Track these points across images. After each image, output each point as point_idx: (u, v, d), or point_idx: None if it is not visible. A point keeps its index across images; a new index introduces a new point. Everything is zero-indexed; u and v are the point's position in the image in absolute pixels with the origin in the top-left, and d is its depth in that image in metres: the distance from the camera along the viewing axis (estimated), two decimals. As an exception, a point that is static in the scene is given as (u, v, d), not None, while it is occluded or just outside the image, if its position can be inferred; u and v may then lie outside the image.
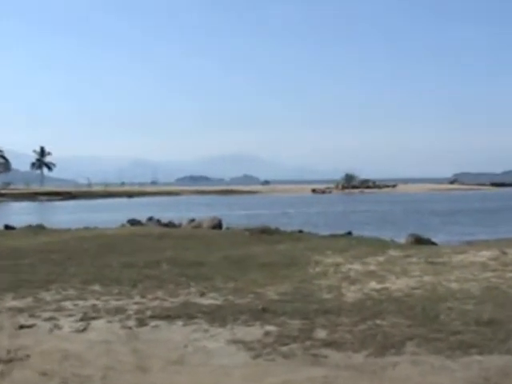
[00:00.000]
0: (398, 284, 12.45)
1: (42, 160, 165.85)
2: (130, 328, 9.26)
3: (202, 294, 11.68)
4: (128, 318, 9.84)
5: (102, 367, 7.52)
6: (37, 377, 7.25)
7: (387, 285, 12.39)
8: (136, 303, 10.92)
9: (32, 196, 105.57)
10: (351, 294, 11.62)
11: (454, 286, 12.09)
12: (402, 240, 22.73)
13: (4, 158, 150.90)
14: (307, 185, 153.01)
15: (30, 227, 28.42)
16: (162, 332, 9.03)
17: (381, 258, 16.12)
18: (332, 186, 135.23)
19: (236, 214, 51.62)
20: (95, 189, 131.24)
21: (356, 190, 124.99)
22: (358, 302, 10.83)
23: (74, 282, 12.92)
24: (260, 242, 20.88)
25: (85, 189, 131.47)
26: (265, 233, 23.14)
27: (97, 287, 12.45)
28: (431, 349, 7.85)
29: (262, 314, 9.84)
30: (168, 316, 9.83)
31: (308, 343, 8.22)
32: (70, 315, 10.04)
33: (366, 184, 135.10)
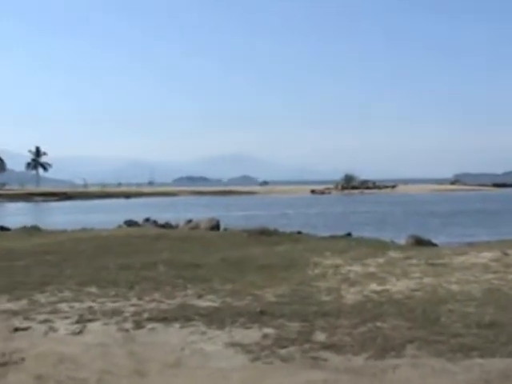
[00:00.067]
0: (398, 286, 12.45)
1: (37, 160, 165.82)
2: (126, 330, 9.24)
3: (200, 296, 11.67)
4: (124, 320, 9.83)
5: (97, 370, 7.50)
6: (32, 380, 7.23)
7: (387, 287, 12.39)
8: (133, 305, 10.90)
9: (27, 197, 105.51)
10: (351, 295, 11.61)
11: (455, 287, 12.08)
12: (402, 241, 22.71)
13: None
14: (306, 185, 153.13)
15: (24, 228, 28.40)
16: (159, 334, 9.02)
17: (381, 260, 16.12)
18: (331, 186, 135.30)
19: (234, 215, 51.60)
20: (91, 189, 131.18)
21: (356, 191, 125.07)
22: (358, 304, 10.83)
23: (70, 284, 12.90)
24: (258, 243, 20.87)
25: (81, 189, 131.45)
26: (263, 234, 23.13)
27: (93, 289, 12.43)
28: (432, 351, 7.85)
29: (260, 316, 9.83)
30: (165, 318, 9.81)
31: (307, 346, 8.21)
32: (66, 317, 10.02)
33: (365, 185, 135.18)
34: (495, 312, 9.77)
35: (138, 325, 9.51)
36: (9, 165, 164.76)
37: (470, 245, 20.62)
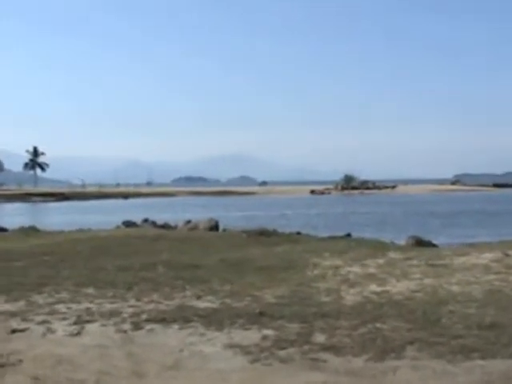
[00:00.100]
0: (398, 287, 12.44)
1: (35, 160, 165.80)
2: (124, 332, 9.24)
3: (199, 297, 11.66)
4: (123, 321, 9.82)
5: (96, 372, 7.50)
6: (29, 382, 7.22)
7: (387, 288, 12.38)
8: (131, 306, 10.89)
9: (25, 197, 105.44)
10: (350, 297, 11.60)
11: (456, 288, 12.07)
12: (402, 242, 22.71)
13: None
14: (306, 186, 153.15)
15: (22, 229, 28.37)
16: (158, 336, 9.01)
17: (381, 261, 16.11)
18: (331, 186, 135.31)
19: (233, 216, 51.60)
20: (89, 190, 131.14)
21: (355, 191, 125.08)
22: (358, 305, 10.82)
23: (68, 285, 12.89)
24: (257, 244, 20.88)
25: (79, 190, 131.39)
26: (262, 235, 23.13)
27: (91, 290, 12.42)
28: (432, 353, 7.84)
29: (259, 317, 9.82)
30: (164, 319, 9.81)
31: (306, 347, 8.21)
32: (64, 319, 10.01)
33: (365, 185, 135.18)
34: (496, 313, 9.76)
35: (137, 326, 9.50)
36: (6, 165, 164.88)
37: (471, 245, 20.60)
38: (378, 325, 9.24)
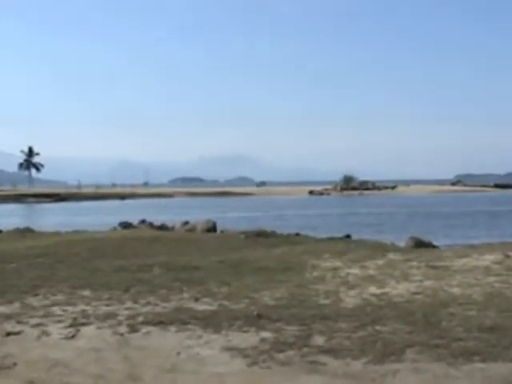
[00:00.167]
0: (398, 289, 12.45)
1: (29, 160, 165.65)
2: (121, 334, 9.23)
3: (196, 299, 11.67)
4: (119, 324, 9.82)
5: (91, 375, 7.49)
6: (24, 385, 7.22)
7: (387, 290, 12.39)
8: (127, 309, 10.89)
9: (19, 198, 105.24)
10: (350, 299, 11.61)
11: (456, 291, 12.09)
12: (402, 243, 22.73)
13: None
14: (305, 186, 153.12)
15: (17, 230, 28.38)
16: (154, 339, 9.01)
17: (380, 262, 16.13)
18: (330, 187, 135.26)
19: (231, 217, 51.58)
20: (85, 190, 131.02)
21: (355, 192, 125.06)
22: (357, 307, 10.83)
23: (63, 287, 12.89)
24: (256, 245, 20.90)
25: (74, 190, 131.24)
26: (260, 236, 23.16)
27: (87, 292, 12.42)
28: (433, 356, 7.85)
29: (257, 319, 9.83)
30: (160, 322, 9.81)
31: (305, 350, 8.21)
32: (59, 321, 10.01)
33: (365, 185, 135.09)
34: (497, 316, 9.78)
35: (133, 329, 9.50)
36: (1, 165, 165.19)
37: (472, 247, 20.62)
38: (378, 327, 9.25)
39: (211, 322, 9.78)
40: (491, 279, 13.20)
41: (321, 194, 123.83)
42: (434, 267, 14.97)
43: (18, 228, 29.13)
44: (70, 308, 10.99)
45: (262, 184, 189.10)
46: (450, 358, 7.73)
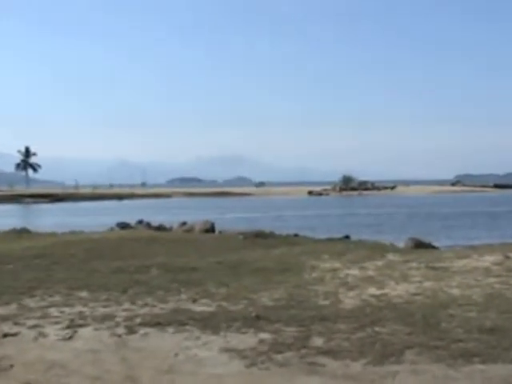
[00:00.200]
0: (397, 290, 12.46)
1: (26, 161, 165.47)
2: (118, 336, 9.23)
3: (194, 301, 11.67)
4: (117, 325, 9.81)
5: (88, 377, 7.49)
6: (21, 387, 7.22)
7: (386, 291, 12.39)
8: (125, 310, 10.89)
9: (16, 198, 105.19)
10: (349, 300, 11.61)
11: (456, 292, 12.09)
12: (402, 244, 22.73)
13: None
14: (304, 186, 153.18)
15: (13, 231, 28.33)
16: (152, 340, 9.01)
17: (380, 263, 16.13)
18: (329, 187, 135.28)
19: (229, 217, 51.59)
20: (83, 191, 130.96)
21: (354, 192, 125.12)
22: (356, 308, 10.83)
23: (60, 288, 12.88)
24: (254, 246, 20.88)
25: (72, 191, 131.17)
26: (259, 237, 23.14)
27: (84, 293, 12.42)
28: (432, 357, 7.85)
29: (256, 321, 9.83)
30: (158, 323, 9.80)
31: (304, 351, 8.21)
32: (56, 323, 10.00)
33: (364, 186, 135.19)
34: (497, 317, 9.78)
35: (131, 330, 9.49)
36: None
37: (472, 248, 20.64)
38: (377, 328, 9.25)
39: (209, 323, 9.77)
40: (491, 280, 13.20)
41: (320, 194, 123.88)
42: (433, 268, 14.97)
43: (14, 228, 29.07)
44: (67, 309, 10.98)
45: (261, 184, 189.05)
46: (449, 360, 7.74)
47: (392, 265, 15.80)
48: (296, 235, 26.96)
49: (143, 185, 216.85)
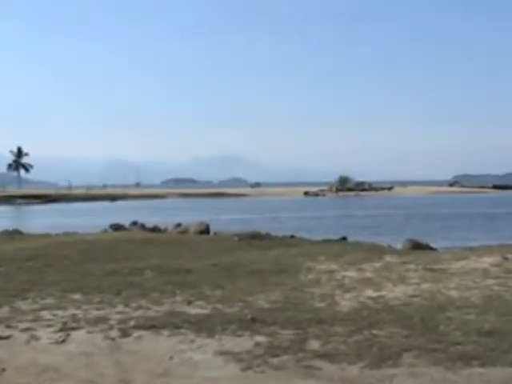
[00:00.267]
0: (395, 292, 12.46)
1: (18, 161, 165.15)
2: (112, 339, 9.21)
3: (189, 303, 11.66)
4: (110, 328, 9.80)
5: (82, 380, 7.48)
6: (13, 391, 7.21)
7: (384, 293, 12.40)
8: (119, 313, 10.87)
9: (8, 199, 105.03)
10: (346, 302, 11.61)
11: (454, 294, 12.10)
12: (399, 245, 22.75)
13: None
14: (301, 187, 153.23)
15: (5, 232, 28.28)
16: (146, 343, 9.00)
17: (377, 265, 16.14)
18: (325, 188, 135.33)
19: (224, 219, 51.60)
20: (76, 192, 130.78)
21: (351, 193, 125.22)
22: (353, 311, 10.83)
23: (53, 291, 12.85)
24: (250, 247, 20.87)
25: (65, 192, 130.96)
26: (255, 238, 23.14)
27: (77, 296, 12.40)
28: (430, 360, 7.86)
29: (251, 323, 9.82)
30: (152, 326, 9.79)
31: (300, 354, 8.21)
32: (49, 326, 9.99)
33: (361, 186, 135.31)
34: (496, 319, 9.79)
35: (124, 333, 9.48)
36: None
37: (470, 249, 20.66)
38: (374, 331, 9.25)
39: (204, 325, 9.77)
40: (490, 282, 13.22)
41: (316, 195, 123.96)
42: (431, 270, 14.98)
43: (6, 230, 29.02)
44: (59, 312, 10.96)
45: (257, 185, 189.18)
46: (447, 363, 7.74)
47: (389, 266, 15.81)
48: (292, 236, 26.95)
49: (137, 185, 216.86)
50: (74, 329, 9.77)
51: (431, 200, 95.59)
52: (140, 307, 11.29)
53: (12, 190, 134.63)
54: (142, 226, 33.31)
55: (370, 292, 12.52)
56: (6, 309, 11.20)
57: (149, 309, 11.17)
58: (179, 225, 32.06)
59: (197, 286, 13.40)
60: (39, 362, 8.17)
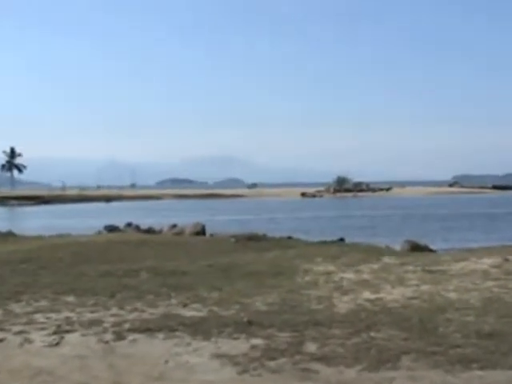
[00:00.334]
0: (393, 294, 12.46)
1: (11, 162, 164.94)
2: (106, 342, 9.20)
3: (185, 305, 11.65)
4: (104, 331, 9.78)
5: (76, 383, 7.48)
6: (5, 395, 7.20)
7: (382, 295, 12.40)
8: (113, 315, 10.86)
9: (1, 200, 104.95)
10: (343, 304, 11.61)
11: (454, 295, 12.11)
12: (398, 247, 22.76)
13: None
14: (297, 188, 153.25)
15: (-2, 234, 28.23)
16: (141, 346, 8.99)
17: (375, 266, 16.14)
18: (323, 189, 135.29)
19: (220, 220, 51.59)
20: (70, 193, 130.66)
21: (348, 194, 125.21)
22: (351, 313, 10.83)
23: (47, 293, 12.84)
24: (246, 249, 20.87)
25: (58, 193, 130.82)
26: (251, 240, 23.13)
27: (71, 298, 12.38)
28: (429, 363, 7.85)
29: (248, 326, 9.82)
30: (148, 329, 9.78)
31: (297, 357, 8.20)
32: (42, 328, 9.97)
33: (359, 187, 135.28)
34: (496, 321, 9.79)
35: (119, 336, 9.47)
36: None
37: (470, 250, 20.68)
38: (372, 334, 9.25)
39: (200, 328, 9.76)
40: (490, 284, 13.22)
41: (313, 196, 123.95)
42: (430, 271, 14.99)
43: (-1, 232, 28.99)
44: (53, 315, 10.95)
45: (254, 186, 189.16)
46: (447, 366, 7.74)
47: (388, 268, 15.81)
48: (289, 238, 26.96)
49: (132, 186, 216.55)
50: (67, 331, 9.75)
51: (430, 200, 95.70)
52: (135, 310, 11.28)
53: (5, 190, 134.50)
54: (137, 228, 33.32)
55: (367, 294, 12.52)
56: (-2, 311, 11.19)
57: (144, 311, 11.15)
58: (174, 226, 32.05)
59: (192, 288, 13.39)
60: (33, 365, 8.16)
